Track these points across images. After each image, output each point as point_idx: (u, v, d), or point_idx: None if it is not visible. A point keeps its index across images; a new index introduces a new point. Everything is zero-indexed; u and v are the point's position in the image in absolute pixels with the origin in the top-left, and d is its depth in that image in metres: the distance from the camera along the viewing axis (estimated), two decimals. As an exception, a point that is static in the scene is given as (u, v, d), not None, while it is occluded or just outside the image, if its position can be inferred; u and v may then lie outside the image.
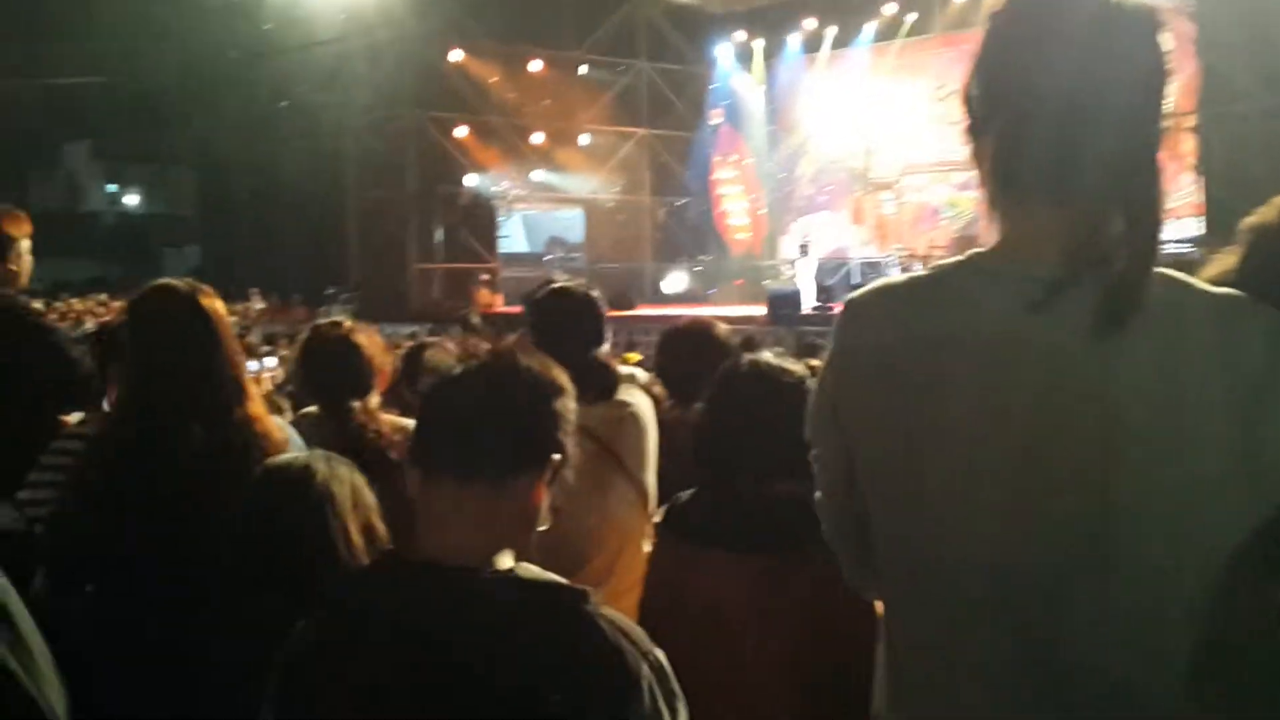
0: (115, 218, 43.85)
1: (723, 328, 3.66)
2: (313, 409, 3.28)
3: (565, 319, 3.14)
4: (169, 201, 44.33)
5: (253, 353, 9.10)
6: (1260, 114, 16.29)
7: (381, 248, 23.28)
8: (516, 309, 19.80)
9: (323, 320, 3.42)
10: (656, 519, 2.44)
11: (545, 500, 1.66)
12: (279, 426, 2.71)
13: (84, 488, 2.54)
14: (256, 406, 2.67)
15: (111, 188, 46.45)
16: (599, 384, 3.06)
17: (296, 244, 26.87)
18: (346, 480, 2.17)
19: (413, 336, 12.83)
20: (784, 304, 18.42)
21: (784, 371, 2.24)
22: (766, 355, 2.30)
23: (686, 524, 2.30)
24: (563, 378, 1.72)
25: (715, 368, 3.51)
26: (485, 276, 23.61)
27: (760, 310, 18.65)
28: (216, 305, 2.69)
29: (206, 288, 2.75)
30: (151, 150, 40.97)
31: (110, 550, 2.44)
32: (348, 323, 3.36)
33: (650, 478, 3.12)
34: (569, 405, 1.71)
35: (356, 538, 2.10)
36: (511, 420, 1.64)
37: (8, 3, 23.18)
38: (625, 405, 3.07)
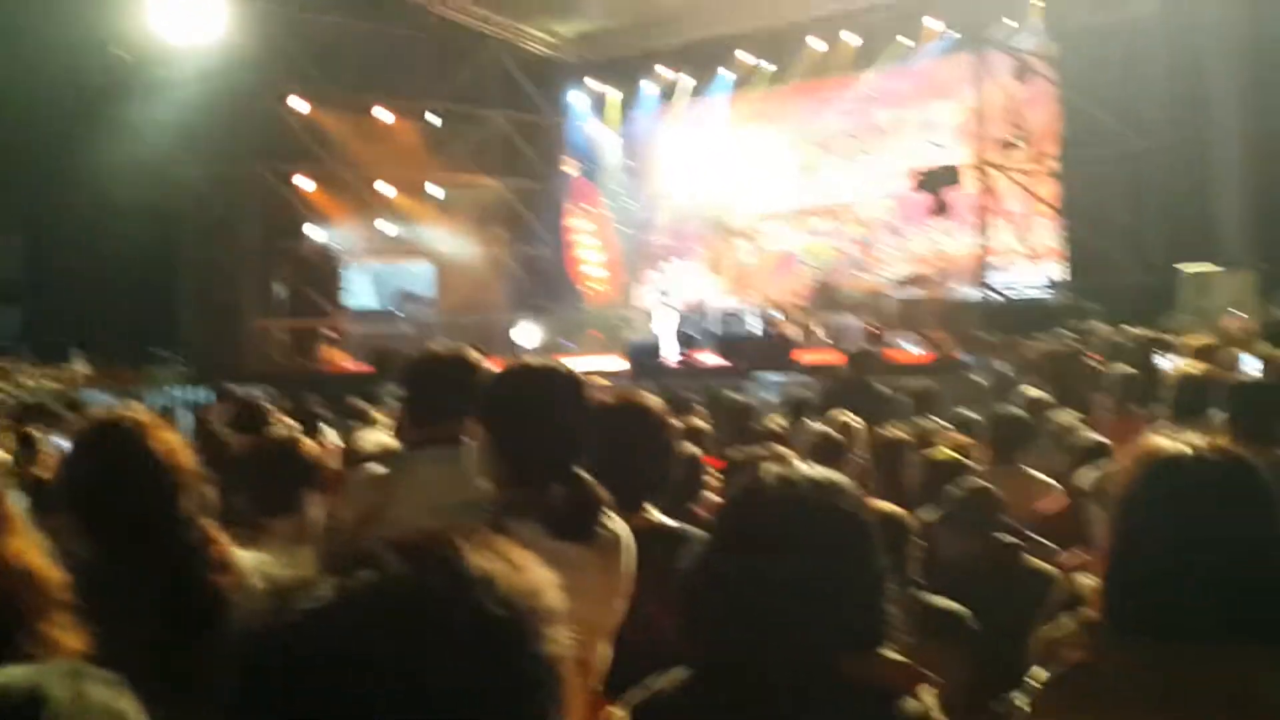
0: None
1: (660, 405, 2.87)
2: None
3: (533, 414, 2.33)
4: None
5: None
6: (1120, 156, 16.41)
7: (218, 305, 21.97)
8: (367, 368, 18.82)
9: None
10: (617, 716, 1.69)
11: None
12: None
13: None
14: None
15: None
16: (578, 516, 2.30)
17: (124, 304, 25.34)
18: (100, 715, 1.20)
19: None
20: (645, 355, 17.88)
21: (841, 494, 1.48)
22: (799, 465, 1.53)
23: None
24: (545, 582, 0.97)
25: (661, 467, 2.83)
26: (330, 333, 22.53)
27: (620, 362, 18.06)
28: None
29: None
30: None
31: None
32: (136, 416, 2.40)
33: (603, 649, 2.35)
34: (560, 637, 0.96)
35: None
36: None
37: None
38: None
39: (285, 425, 4.64)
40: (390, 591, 0.87)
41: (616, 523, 2.41)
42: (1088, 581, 2.72)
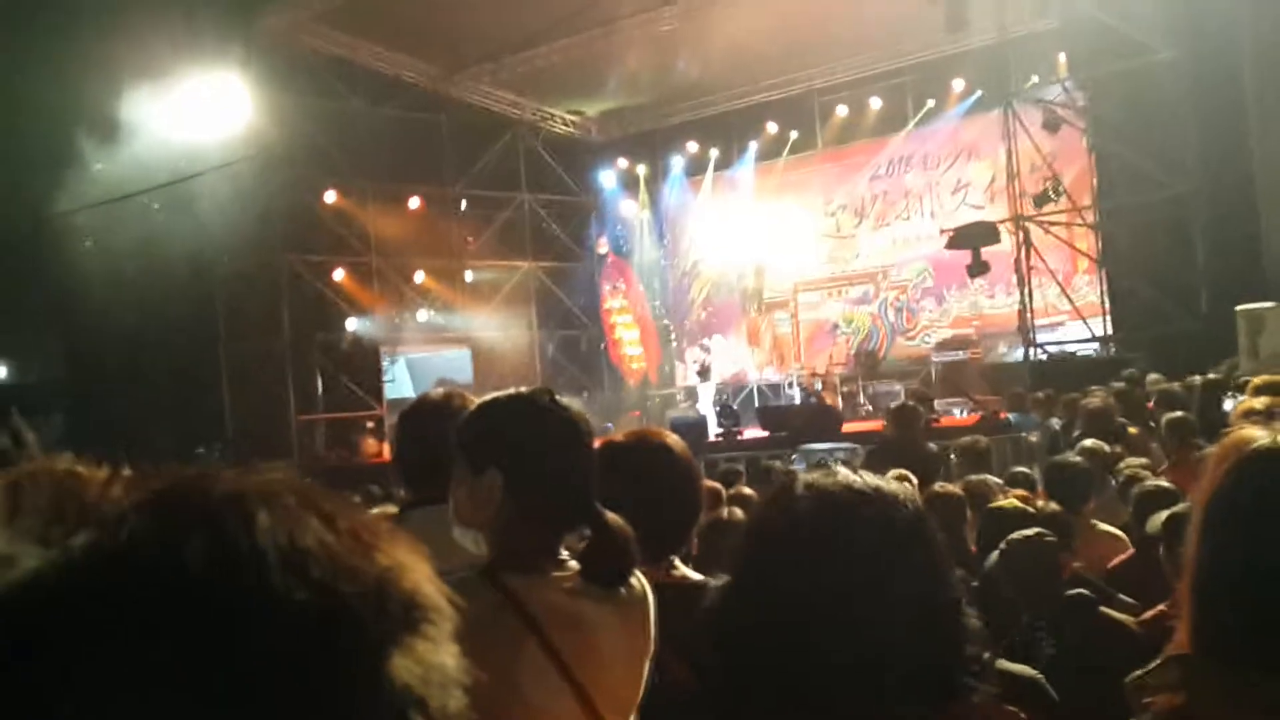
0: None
1: (682, 444, 2.56)
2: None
3: (554, 446, 2.03)
4: (41, 368, 41.87)
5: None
6: (1161, 202, 16.00)
7: (258, 401, 21.87)
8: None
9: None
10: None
11: None
12: None
13: None
14: None
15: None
16: (610, 568, 2.00)
17: (169, 403, 25.30)
18: None
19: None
20: (689, 432, 17.50)
21: (897, 498, 1.17)
22: (840, 472, 1.23)
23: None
24: (410, 568, 0.59)
25: (690, 513, 2.51)
26: (370, 424, 22.39)
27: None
28: None
29: None
30: (11, 314, 38.95)
31: None
32: None
33: None
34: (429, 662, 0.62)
35: None
36: None
37: None
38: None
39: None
40: (107, 569, 0.53)
41: (639, 577, 2.11)
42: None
